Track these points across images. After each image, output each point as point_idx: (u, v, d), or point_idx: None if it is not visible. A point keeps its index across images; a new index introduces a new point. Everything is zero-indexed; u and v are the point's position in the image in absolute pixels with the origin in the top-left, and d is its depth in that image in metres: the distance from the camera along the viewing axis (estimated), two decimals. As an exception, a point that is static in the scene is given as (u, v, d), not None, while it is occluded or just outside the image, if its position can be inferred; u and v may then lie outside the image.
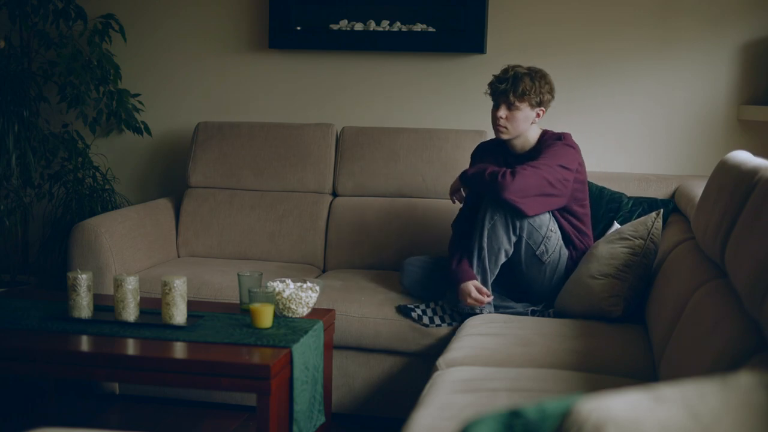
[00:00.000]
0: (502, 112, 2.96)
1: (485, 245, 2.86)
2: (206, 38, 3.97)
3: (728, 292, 1.89)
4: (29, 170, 3.68)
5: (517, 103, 2.93)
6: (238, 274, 2.75)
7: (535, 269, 2.92)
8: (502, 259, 2.89)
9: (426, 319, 2.95)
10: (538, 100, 2.95)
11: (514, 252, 2.89)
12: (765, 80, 3.50)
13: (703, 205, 2.35)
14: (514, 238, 2.86)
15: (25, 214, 3.93)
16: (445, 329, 2.93)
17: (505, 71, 2.99)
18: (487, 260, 2.88)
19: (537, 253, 2.89)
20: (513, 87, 2.93)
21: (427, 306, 3.00)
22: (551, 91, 2.99)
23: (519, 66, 2.99)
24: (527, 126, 2.98)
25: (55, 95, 3.87)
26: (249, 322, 2.58)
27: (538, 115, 2.97)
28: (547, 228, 2.88)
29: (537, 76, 2.96)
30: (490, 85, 3.00)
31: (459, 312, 2.94)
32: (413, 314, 2.96)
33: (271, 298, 2.57)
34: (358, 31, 3.78)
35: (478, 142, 3.30)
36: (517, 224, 2.85)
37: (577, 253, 2.98)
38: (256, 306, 2.53)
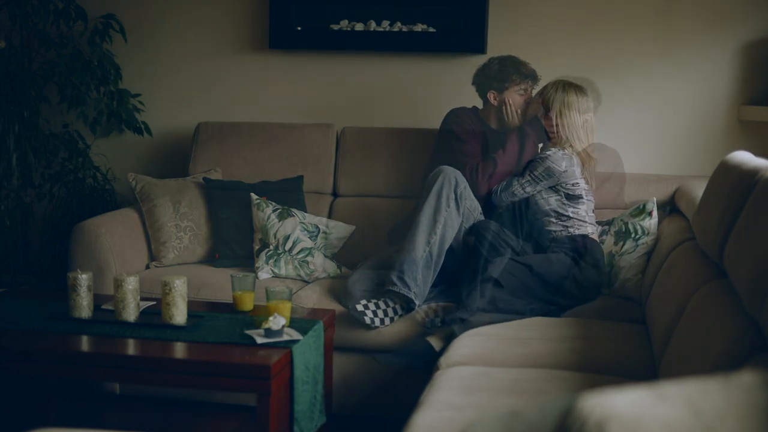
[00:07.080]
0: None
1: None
2: (206, 38, 3.96)
3: (728, 292, 1.89)
4: (30, 170, 3.68)
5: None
6: (231, 276, 2.77)
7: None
8: None
9: (377, 321, 2.93)
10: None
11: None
12: (765, 80, 3.50)
13: (704, 205, 2.35)
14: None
15: (26, 215, 3.93)
16: (446, 329, 2.93)
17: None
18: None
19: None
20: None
21: (377, 306, 2.96)
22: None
23: None
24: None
25: (56, 95, 3.87)
26: (249, 322, 2.59)
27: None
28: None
29: None
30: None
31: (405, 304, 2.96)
32: (366, 318, 2.92)
33: (289, 296, 2.58)
34: (359, 31, 3.78)
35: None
36: None
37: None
38: (273, 303, 2.54)
